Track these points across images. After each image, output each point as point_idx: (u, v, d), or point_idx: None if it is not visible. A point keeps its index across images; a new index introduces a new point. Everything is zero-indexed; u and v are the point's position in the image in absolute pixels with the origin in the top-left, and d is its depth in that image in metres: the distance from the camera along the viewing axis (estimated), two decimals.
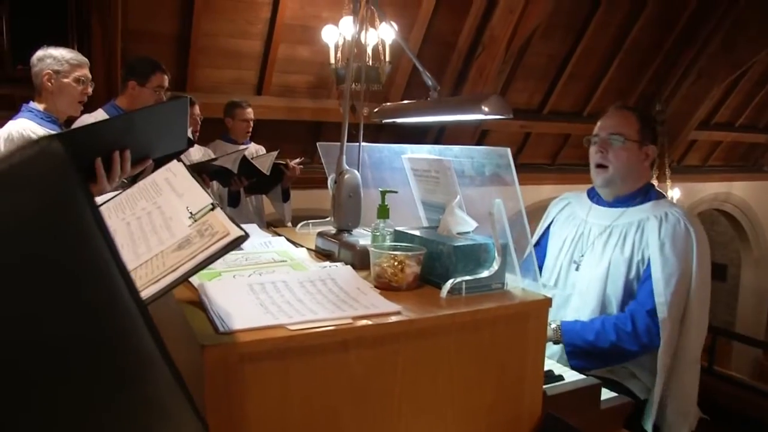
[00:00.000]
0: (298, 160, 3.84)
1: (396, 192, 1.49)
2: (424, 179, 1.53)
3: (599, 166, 2.06)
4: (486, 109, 1.47)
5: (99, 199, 1.75)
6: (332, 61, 4.30)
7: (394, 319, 1.09)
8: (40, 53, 2.66)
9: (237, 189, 3.64)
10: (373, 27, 4.35)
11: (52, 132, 2.61)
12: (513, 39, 5.47)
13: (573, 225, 2.16)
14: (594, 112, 7.09)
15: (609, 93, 7.02)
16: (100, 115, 3.09)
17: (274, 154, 3.63)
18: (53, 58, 2.64)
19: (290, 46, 5.09)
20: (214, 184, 3.59)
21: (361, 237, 1.56)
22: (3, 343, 0.31)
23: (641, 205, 2.03)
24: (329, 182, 2.05)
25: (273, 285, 1.18)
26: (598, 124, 2.11)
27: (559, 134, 7.21)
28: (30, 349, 0.31)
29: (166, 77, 3.21)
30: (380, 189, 1.44)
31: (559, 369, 1.54)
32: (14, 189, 0.28)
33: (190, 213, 0.97)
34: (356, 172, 1.57)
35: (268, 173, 3.47)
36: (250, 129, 4.23)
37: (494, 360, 1.22)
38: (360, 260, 1.43)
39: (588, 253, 2.06)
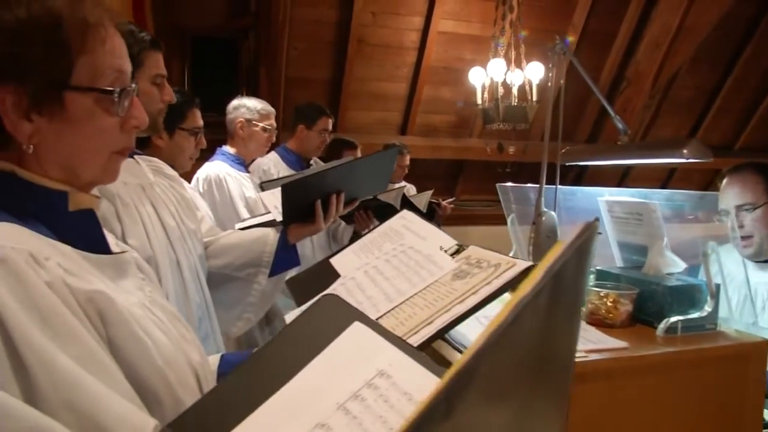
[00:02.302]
0: (450, 200, 3.97)
1: (600, 234, 1.55)
2: (623, 221, 1.57)
3: (742, 238, 1.94)
4: (686, 152, 1.51)
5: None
6: (479, 101, 4.43)
7: (624, 354, 1.14)
8: (235, 102, 2.98)
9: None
10: (519, 68, 4.45)
11: (242, 174, 2.92)
12: (660, 74, 5.34)
13: (733, 287, 2.01)
14: (746, 146, 6.71)
15: (763, 124, 6.61)
16: (273, 157, 3.40)
17: (429, 193, 3.78)
18: (246, 107, 2.96)
19: (434, 87, 5.29)
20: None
21: None
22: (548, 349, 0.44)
23: None
24: (509, 221, 2.14)
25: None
26: (720, 196, 1.98)
27: (707, 170, 6.85)
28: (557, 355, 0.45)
29: (330, 121, 3.48)
30: None
31: None
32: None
33: (445, 250, 1.09)
34: (553, 213, 1.65)
35: (424, 211, 3.62)
36: (405, 173, 4.44)
37: (714, 401, 1.24)
38: None
39: (761, 315, 1.92)
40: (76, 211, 0.87)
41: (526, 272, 0.90)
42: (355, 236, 3.60)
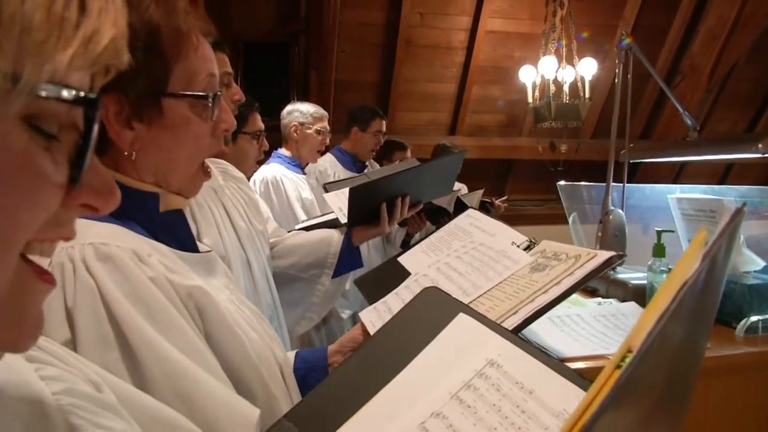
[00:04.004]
0: (503, 199, 3.94)
1: (672, 231, 1.52)
2: (694, 218, 1.54)
3: None
4: (761, 147, 1.47)
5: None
6: (530, 99, 4.39)
7: (705, 354, 1.12)
8: (289, 107, 3.05)
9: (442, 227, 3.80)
10: (571, 64, 4.39)
11: (298, 176, 2.97)
12: (716, 67, 5.19)
13: None
14: None
15: None
16: (329, 158, 3.45)
17: (480, 192, 3.76)
18: (300, 111, 3.02)
19: (483, 86, 5.26)
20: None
21: (624, 274, 1.61)
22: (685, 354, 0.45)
23: None
24: (570, 220, 2.12)
25: (569, 318, 1.27)
26: None
27: (767, 164, 6.62)
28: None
29: (384, 122, 3.51)
30: (656, 229, 1.48)
31: None
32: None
33: (517, 245, 1.09)
34: (621, 211, 1.62)
35: (476, 209, 3.60)
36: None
37: None
38: (633, 296, 1.47)
39: None
40: (166, 211, 0.91)
41: (608, 263, 0.89)
42: (408, 238, 3.62)
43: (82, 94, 0.33)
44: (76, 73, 0.33)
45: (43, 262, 0.38)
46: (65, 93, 0.32)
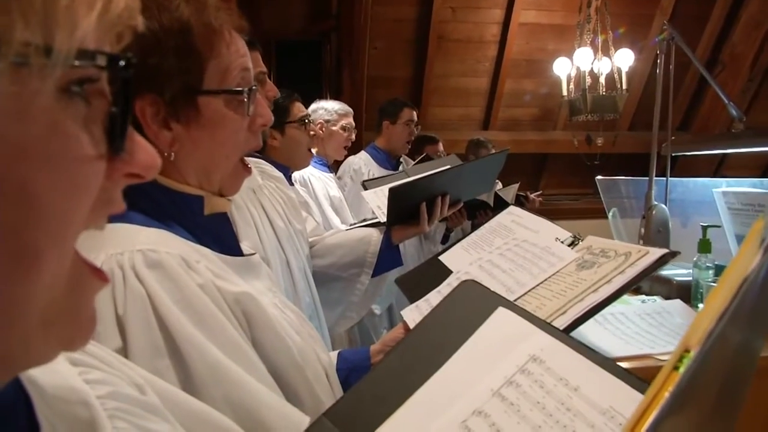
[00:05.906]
0: (537, 193, 3.91)
1: (719, 227, 1.49)
2: (742, 213, 1.50)
3: None
4: None
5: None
6: (564, 93, 4.32)
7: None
8: (314, 106, 3.07)
9: (481, 222, 3.77)
10: (606, 55, 4.31)
11: (325, 174, 2.98)
12: (759, 55, 5.04)
13: None
14: None
15: None
16: (363, 156, 3.46)
17: (515, 186, 3.73)
18: (324, 109, 3.04)
19: (516, 80, 5.21)
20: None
21: (667, 270, 1.57)
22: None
23: None
24: (610, 215, 2.09)
25: (613, 316, 1.25)
26: None
27: None
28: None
29: (413, 112, 3.52)
30: (701, 224, 1.45)
31: None
32: None
33: (561, 242, 1.08)
34: (664, 206, 1.59)
35: (512, 203, 3.57)
36: None
37: None
38: (678, 294, 1.45)
39: None
40: (210, 214, 0.92)
41: (661, 261, 0.87)
42: (447, 233, 3.61)
43: (116, 57, 0.31)
44: (101, 36, 0.31)
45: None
46: (99, 59, 0.30)
